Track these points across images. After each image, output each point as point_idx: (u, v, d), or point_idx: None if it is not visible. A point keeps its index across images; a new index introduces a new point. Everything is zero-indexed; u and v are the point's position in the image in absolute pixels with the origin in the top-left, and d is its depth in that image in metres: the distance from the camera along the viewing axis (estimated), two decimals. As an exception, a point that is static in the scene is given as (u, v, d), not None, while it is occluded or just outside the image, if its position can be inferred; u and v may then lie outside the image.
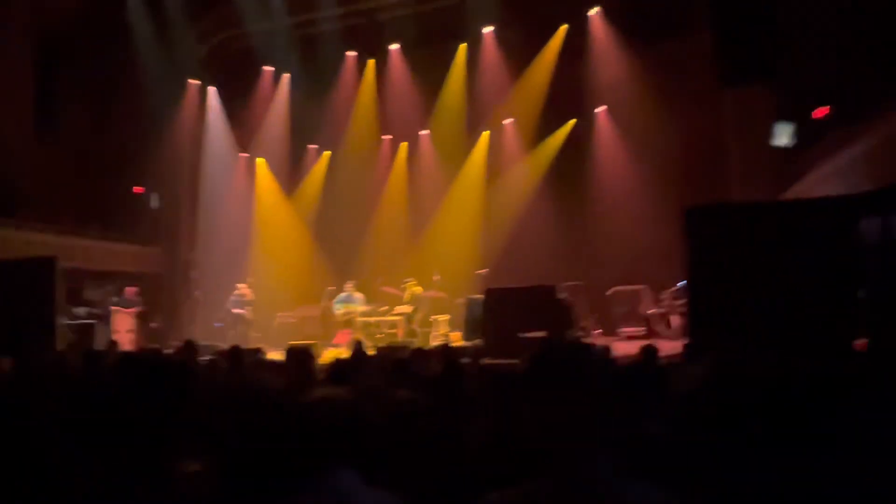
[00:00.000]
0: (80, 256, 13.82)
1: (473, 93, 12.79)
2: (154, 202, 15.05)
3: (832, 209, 7.86)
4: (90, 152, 13.50)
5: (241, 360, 5.03)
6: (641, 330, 12.15)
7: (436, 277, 12.52)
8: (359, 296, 11.23)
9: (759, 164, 12.41)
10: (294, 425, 1.44)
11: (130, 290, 12.39)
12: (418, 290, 11.26)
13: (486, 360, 7.62)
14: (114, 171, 13.90)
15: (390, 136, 14.21)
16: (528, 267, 12.10)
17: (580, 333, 11.01)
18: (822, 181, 9.79)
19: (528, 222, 12.83)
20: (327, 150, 14.28)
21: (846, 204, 7.79)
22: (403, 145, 14.07)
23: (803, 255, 7.44)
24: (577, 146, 13.06)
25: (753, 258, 7.56)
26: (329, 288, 11.68)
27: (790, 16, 10.82)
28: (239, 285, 12.11)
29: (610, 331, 12.68)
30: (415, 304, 11.16)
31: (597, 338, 11.97)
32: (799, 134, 11.76)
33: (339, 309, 11.30)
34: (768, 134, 12.02)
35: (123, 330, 12.34)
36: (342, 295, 11.32)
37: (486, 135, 13.51)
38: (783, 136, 12.12)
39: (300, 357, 4.89)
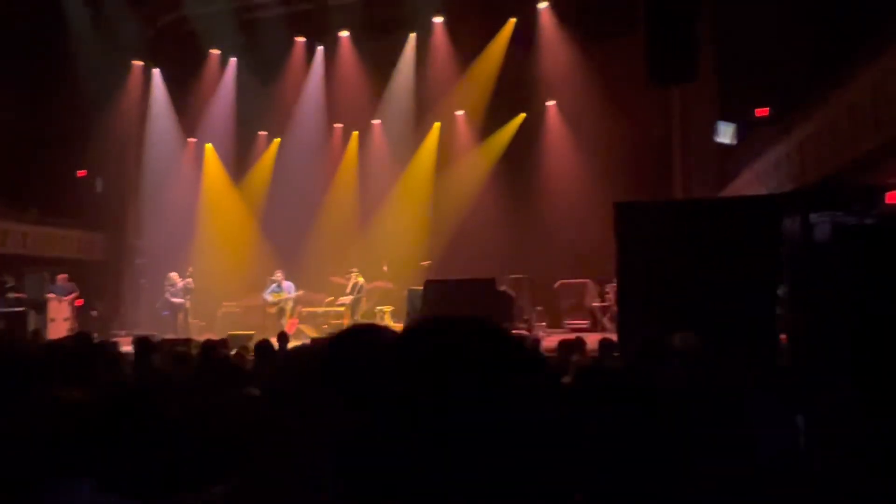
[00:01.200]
0: (17, 242, 13.38)
1: (423, 83, 12.73)
2: (98, 186, 14.61)
3: (754, 208, 8.12)
4: (26, 136, 12.99)
5: (148, 351, 4.94)
6: (586, 323, 12.37)
7: (384, 268, 12.51)
8: (288, 284, 11.13)
9: (702, 161, 12.71)
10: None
11: (62, 277, 12.06)
12: (361, 279, 11.22)
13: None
14: (53, 154, 13.43)
15: (341, 125, 14.05)
16: (475, 259, 12.17)
17: (522, 326, 11.15)
18: (755, 180, 10.08)
19: (477, 214, 12.89)
20: (276, 137, 14.05)
21: (767, 203, 8.05)
22: (354, 134, 13.94)
23: (727, 253, 7.68)
24: (527, 140, 13.15)
25: (679, 254, 7.77)
26: (272, 277, 11.55)
27: (732, 17, 11.10)
28: (171, 274, 11.87)
29: (556, 323, 12.86)
30: (358, 295, 11.12)
31: (541, 330, 12.14)
32: (740, 133, 12.07)
33: (269, 298, 11.19)
34: (712, 132, 12.31)
35: (60, 318, 12.02)
36: (272, 285, 11.22)
37: (437, 126, 13.48)
38: (726, 134, 12.41)
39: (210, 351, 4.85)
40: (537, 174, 13.12)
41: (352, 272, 11.24)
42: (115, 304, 14.48)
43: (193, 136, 14.00)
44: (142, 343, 5.13)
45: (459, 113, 13.53)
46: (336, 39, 12.75)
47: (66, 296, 12.06)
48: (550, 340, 10.20)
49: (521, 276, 11.64)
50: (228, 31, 12.57)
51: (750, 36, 10.84)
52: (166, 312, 12.41)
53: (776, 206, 7.92)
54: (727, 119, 12.16)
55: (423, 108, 13.15)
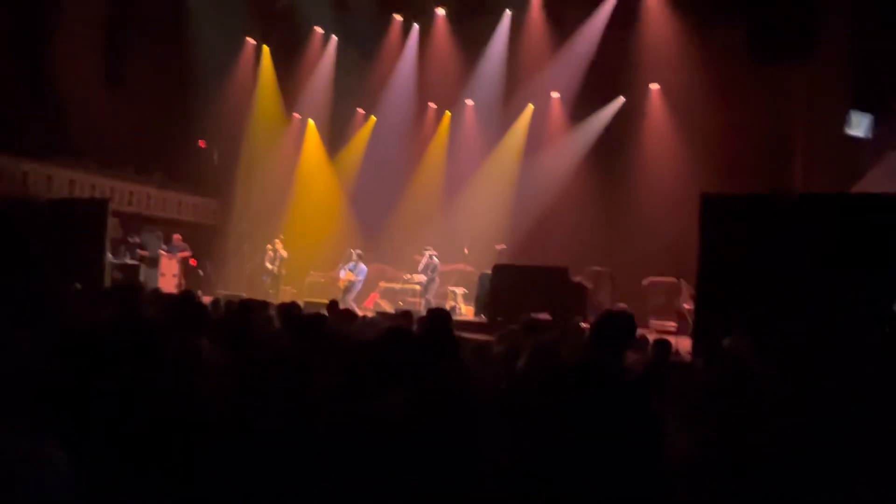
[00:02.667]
0: (140, 202, 14.85)
1: (517, 62, 12.33)
2: (215, 157, 15.82)
3: (876, 209, 7.02)
4: (155, 104, 14.29)
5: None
6: (672, 325, 11.51)
7: (465, 251, 12.39)
8: (362, 267, 11.32)
9: (827, 155, 11.27)
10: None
11: (177, 237, 13.17)
12: (436, 259, 11.19)
13: (469, 335, 7.51)
14: (176, 123, 14.68)
15: (435, 105, 14.04)
16: (556, 247, 11.72)
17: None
18: (887, 178, 8.72)
19: (564, 201, 12.38)
20: (373, 114, 14.34)
21: (887, 204, 6.92)
22: (447, 114, 13.87)
23: (834, 260, 6.73)
24: (624, 124, 12.36)
25: (773, 257, 6.92)
26: (355, 252, 11.87)
27: None
28: (276, 241, 12.57)
29: (641, 323, 12.09)
30: (432, 274, 11.11)
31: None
32: (876, 124, 10.56)
33: (341, 275, 11.47)
34: (842, 122, 10.87)
35: (170, 274, 13.20)
36: (350, 263, 11.48)
37: (529, 108, 13.05)
38: (859, 125, 10.92)
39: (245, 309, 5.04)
40: (633, 162, 12.32)
41: (425, 251, 11.25)
42: (220, 264, 15.66)
43: (296, 111, 14.65)
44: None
45: (555, 95, 12.99)
46: (432, 17, 12.69)
47: (177, 254, 13.19)
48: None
49: (602, 268, 11.04)
50: (331, 11, 12.93)
51: (891, 16, 9.37)
52: (265, 277, 13.20)
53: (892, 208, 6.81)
54: (861, 109, 10.68)
55: (517, 88, 12.77)
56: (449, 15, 12.56)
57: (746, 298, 7.08)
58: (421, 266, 11.19)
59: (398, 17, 13.11)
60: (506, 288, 9.20)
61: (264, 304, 4.93)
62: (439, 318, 3.87)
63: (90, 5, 13.26)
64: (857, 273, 6.66)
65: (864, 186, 9.53)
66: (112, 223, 13.74)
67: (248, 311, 4.91)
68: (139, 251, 12.41)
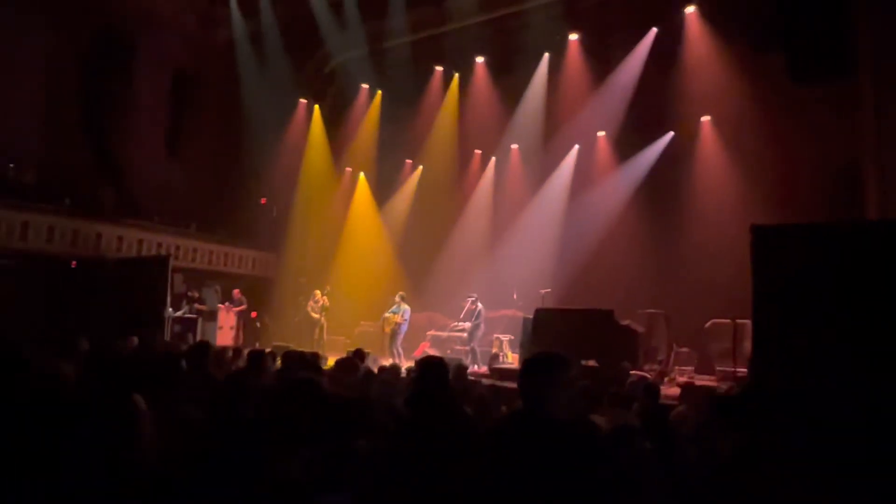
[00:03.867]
0: (204, 258, 15.57)
1: (560, 103, 12.19)
2: (273, 212, 16.47)
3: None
4: (212, 168, 15.17)
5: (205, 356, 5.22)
6: (740, 369, 10.60)
7: (514, 296, 12.06)
8: (406, 308, 11.21)
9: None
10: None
11: (236, 292, 13.64)
12: (480, 306, 10.92)
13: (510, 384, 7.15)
14: (234, 183, 15.47)
15: (480, 151, 14.07)
16: (607, 289, 11.19)
17: (655, 367, 9.87)
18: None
19: (614, 241, 11.88)
20: (420, 164, 14.53)
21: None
22: (492, 160, 13.85)
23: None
24: (675, 160, 11.85)
25: (832, 290, 6.25)
26: (395, 298, 11.83)
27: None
28: (315, 292, 12.75)
29: (707, 368, 11.23)
30: (476, 321, 10.84)
31: (684, 374, 10.68)
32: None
33: (389, 317, 11.39)
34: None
35: (227, 326, 13.62)
36: (393, 306, 11.40)
37: (575, 148, 12.81)
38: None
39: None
40: (686, 198, 11.72)
41: (468, 298, 11.02)
42: (278, 316, 16.04)
43: (347, 165, 15.08)
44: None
45: (601, 134, 12.70)
46: (472, 65, 12.85)
47: (236, 307, 13.62)
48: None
49: (656, 311, 10.38)
50: (375, 66, 13.41)
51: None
52: (315, 328, 13.35)
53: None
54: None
55: (561, 130, 12.58)
56: (488, 62, 12.69)
57: (802, 338, 6.41)
58: (464, 313, 10.96)
59: (439, 68, 13.38)
60: (548, 333, 8.79)
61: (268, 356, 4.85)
62: (431, 368, 3.60)
63: (155, 84, 14.45)
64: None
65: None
66: (177, 279, 14.48)
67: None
68: (197, 305, 12.87)
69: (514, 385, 6.16)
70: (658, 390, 4.65)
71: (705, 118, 11.72)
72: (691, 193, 11.72)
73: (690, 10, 10.69)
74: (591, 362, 8.40)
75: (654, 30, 11.06)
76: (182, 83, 14.51)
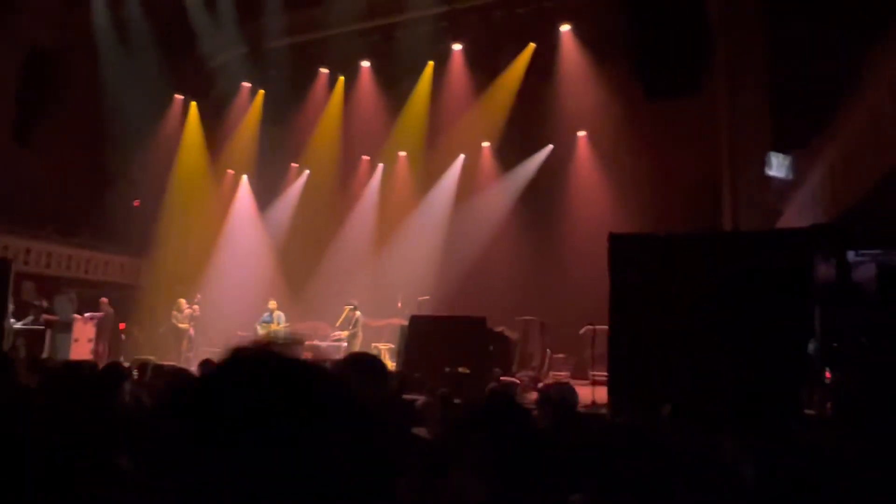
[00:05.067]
0: (62, 264, 14.14)
1: (445, 112, 12.27)
2: (139, 213, 15.28)
3: (778, 244, 6.82)
4: (72, 164, 13.84)
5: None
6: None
7: (399, 304, 11.90)
8: (279, 314, 10.80)
9: (754, 198, 11.25)
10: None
11: (103, 301, 12.56)
12: (358, 314, 10.68)
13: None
14: (100, 182, 14.20)
15: (368, 157, 13.86)
16: (488, 297, 11.31)
17: (529, 372, 10.07)
18: (798, 215, 8.61)
19: (494, 251, 12.08)
20: (305, 168, 14.08)
21: (795, 238, 6.73)
22: (379, 167, 13.68)
23: (744, 298, 6.46)
24: (553, 173, 12.26)
25: (683, 297, 6.63)
26: (267, 307, 11.32)
27: (787, 37, 9.84)
28: (180, 300, 11.95)
29: (581, 373, 11.60)
30: (354, 329, 10.57)
31: (558, 379, 10.96)
32: (797, 165, 10.60)
33: (259, 329, 10.89)
34: (763, 165, 10.93)
35: (84, 339, 12.40)
36: (265, 314, 10.94)
37: (460, 157, 12.93)
38: (780, 167, 10.99)
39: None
40: (564, 210, 12.16)
41: (346, 307, 10.75)
42: (148, 327, 14.85)
43: (227, 167, 14.32)
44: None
45: (485, 144, 12.91)
46: (357, 69, 12.65)
47: (92, 318, 12.45)
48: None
49: (531, 318, 10.61)
50: (258, 67, 12.86)
51: (806, 57, 9.53)
52: (181, 337, 12.46)
53: (806, 242, 6.61)
54: (781, 150, 10.75)
55: (447, 139, 12.66)
56: (374, 66, 12.55)
57: (657, 344, 6.74)
58: (340, 321, 10.66)
59: (324, 71, 13.06)
60: (423, 341, 8.71)
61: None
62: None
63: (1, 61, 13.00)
64: (764, 312, 6.40)
65: (784, 224, 9.43)
66: (27, 286, 13.00)
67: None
68: (45, 316, 11.61)
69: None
70: (505, 394, 4.60)
71: (581, 133, 12.23)
72: (569, 204, 12.16)
73: (566, 28, 11.13)
74: (464, 369, 8.41)
75: (533, 45, 11.41)
76: (38, 64, 13.11)
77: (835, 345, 6.07)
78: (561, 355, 11.70)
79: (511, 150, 12.51)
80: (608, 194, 11.97)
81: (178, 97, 14.06)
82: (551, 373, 11.32)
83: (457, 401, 5.64)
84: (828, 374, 6.10)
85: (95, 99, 13.17)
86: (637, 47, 7.41)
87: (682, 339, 6.56)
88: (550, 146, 12.42)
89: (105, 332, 12.88)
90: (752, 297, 6.41)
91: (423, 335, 8.71)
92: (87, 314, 12.36)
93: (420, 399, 5.12)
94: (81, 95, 13.16)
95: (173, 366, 8.17)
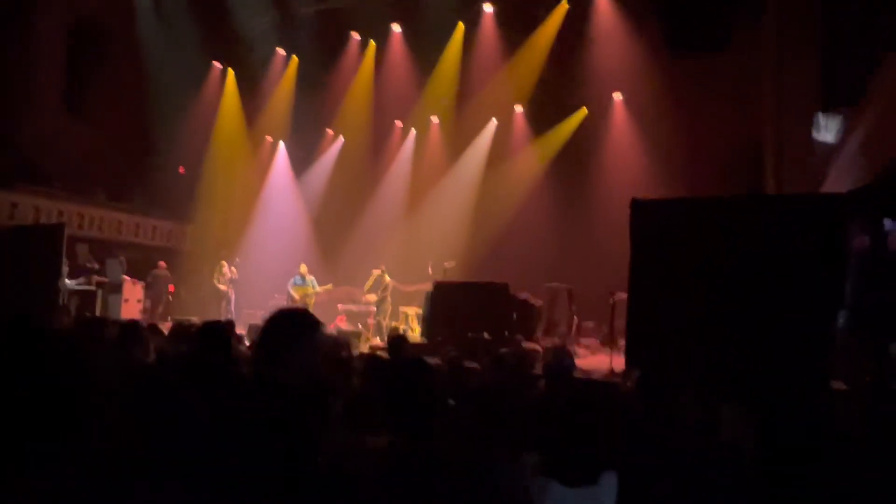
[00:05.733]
0: (112, 228, 14.84)
1: (473, 77, 12.05)
2: (185, 179, 15.79)
3: (809, 211, 6.50)
4: (119, 132, 14.36)
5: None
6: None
7: (429, 270, 12.01)
8: (311, 278, 11.07)
9: (799, 161, 10.71)
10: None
11: (161, 265, 13.20)
12: (388, 278, 10.83)
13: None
14: (147, 150, 14.72)
15: (401, 123, 13.83)
16: (517, 263, 11.29)
17: (555, 340, 10.05)
18: (839, 179, 8.15)
19: (527, 215, 11.96)
20: (340, 133, 14.19)
21: (827, 204, 6.38)
22: (412, 132, 13.64)
23: (771, 267, 6.22)
24: (587, 137, 11.95)
25: (708, 266, 6.43)
26: (299, 272, 11.62)
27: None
28: (223, 263, 12.39)
29: (612, 341, 11.53)
30: (383, 294, 10.75)
31: (590, 347, 10.94)
32: (845, 127, 10.02)
33: (291, 291, 11.20)
34: (810, 126, 10.37)
35: (133, 299, 13.08)
36: (297, 277, 11.22)
37: (493, 122, 12.74)
38: (829, 129, 10.41)
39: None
40: (598, 175, 11.87)
41: (374, 271, 10.91)
42: (194, 288, 15.52)
43: (265, 133, 14.58)
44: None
45: (518, 109, 12.67)
46: (388, 33, 12.52)
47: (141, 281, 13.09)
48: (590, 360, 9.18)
49: (559, 284, 10.53)
50: (292, 32, 12.91)
51: (861, 5, 8.89)
52: (222, 300, 12.97)
53: (839, 209, 6.28)
54: (830, 110, 10.16)
55: (478, 103, 12.47)
56: (404, 30, 12.40)
57: (678, 314, 6.60)
58: (368, 285, 10.86)
59: (356, 35, 13.00)
60: (446, 307, 8.79)
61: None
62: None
63: (48, 41, 13.48)
64: (792, 282, 6.15)
65: (827, 188, 8.96)
66: (81, 249, 13.74)
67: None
68: (96, 277, 12.28)
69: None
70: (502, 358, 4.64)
71: (617, 95, 11.83)
72: (603, 169, 11.87)
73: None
74: (487, 335, 8.47)
75: (566, 4, 11.00)
76: (85, 34, 13.56)
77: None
78: (590, 323, 11.60)
79: (544, 114, 12.24)
80: (644, 159, 11.61)
81: (217, 65, 14.32)
82: (582, 340, 11.28)
83: (473, 365, 5.72)
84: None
85: (138, 67, 13.58)
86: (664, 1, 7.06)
87: (704, 309, 6.40)
88: (584, 109, 12.08)
89: (160, 293, 13.56)
90: (779, 265, 6.17)
91: (446, 301, 8.79)
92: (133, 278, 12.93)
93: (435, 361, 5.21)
94: (125, 64, 13.59)
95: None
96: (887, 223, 6.02)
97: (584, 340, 11.26)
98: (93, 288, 12.14)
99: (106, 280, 12.58)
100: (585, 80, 11.43)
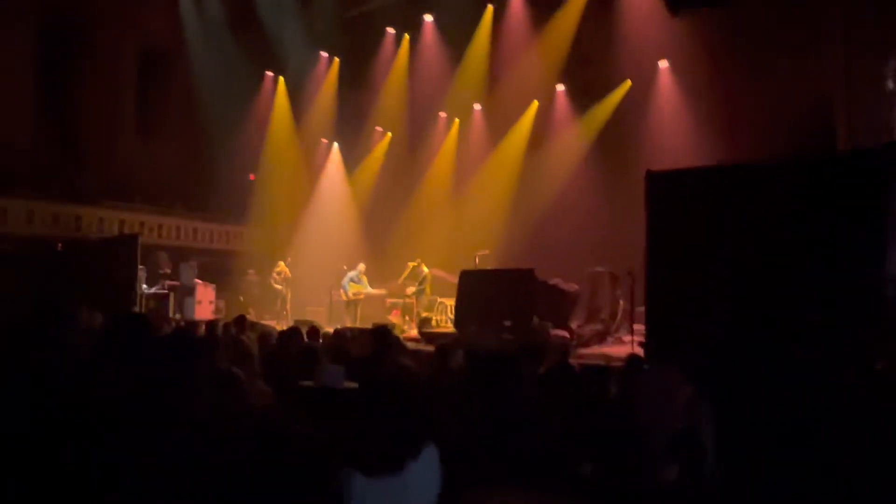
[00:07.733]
0: (188, 235, 15.97)
1: (509, 59, 11.69)
2: (253, 185, 16.64)
3: (846, 171, 5.70)
4: (187, 145, 15.41)
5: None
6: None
7: (476, 260, 11.87)
8: (365, 278, 11.25)
9: (875, 117, 9.48)
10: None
11: (251, 272, 14.08)
12: (425, 269, 10.78)
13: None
14: (211, 160, 15.67)
15: (444, 114, 13.74)
16: (559, 248, 10.85)
17: (597, 326, 9.55)
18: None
19: (570, 198, 11.46)
20: (387, 130, 14.35)
21: (865, 162, 5.58)
22: (456, 122, 13.51)
23: (810, 236, 5.55)
24: (631, 110, 11.24)
25: (737, 237, 5.83)
26: (359, 271, 11.83)
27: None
28: (280, 263, 12.89)
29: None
30: (420, 286, 10.73)
31: (638, 333, 10.31)
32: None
33: (350, 289, 11.42)
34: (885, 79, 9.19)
35: (206, 301, 13.99)
36: (352, 274, 11.41)
37: (534, 104, 12.33)
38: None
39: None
40: (644, 152, 11.12)
41: (409, 263, 10.91)
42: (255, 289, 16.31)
43: (315, 135, 15.03)
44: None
45: (560, 88, 12.16)
46: (420, 24, 12.45)
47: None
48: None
49: (602, 269, 9.97)
50: (332, 35, 13.21)
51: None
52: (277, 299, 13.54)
53: (879, 165, 5.48)
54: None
55: (518, 85, 12.09)
56: (436, 20, 12.28)
57: (704, 298, 6.03)
58: (403, 277, 10.89)
59: (391, 31, 13.06)
60: (474, 295, 8.63)
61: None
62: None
63: (123, 73, 14.72)
64: (831, 256, 5.45)
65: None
66: (161, 256, 14.88)
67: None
68: (168, 282, 13.25)
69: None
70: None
71: (663, 63, 11.03)
72: (650, 144, 11.12)
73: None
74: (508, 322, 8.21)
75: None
76: (150, 63, 14.73)
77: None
78: (642, 308, 10.91)
79: (586, 91, 11.66)
80: (696, 130, 10.73)
81: (269, 74, 14.95)
82: (634, 325, 10.66)
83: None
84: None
85: (195, 86, 14.51)
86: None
87: (729, 288, 5.80)
88: (629, 82, 11.37)
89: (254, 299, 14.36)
90: (813, 232, 5.46)
91: (473, 289, 8.63)
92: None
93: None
94: (183, 85, 14.59)
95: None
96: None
97: (636, 326, 10.63)
98: (165, 292, 13.11)
99: (177, 283, 13.54)
100: (626, 50, 10.75)
